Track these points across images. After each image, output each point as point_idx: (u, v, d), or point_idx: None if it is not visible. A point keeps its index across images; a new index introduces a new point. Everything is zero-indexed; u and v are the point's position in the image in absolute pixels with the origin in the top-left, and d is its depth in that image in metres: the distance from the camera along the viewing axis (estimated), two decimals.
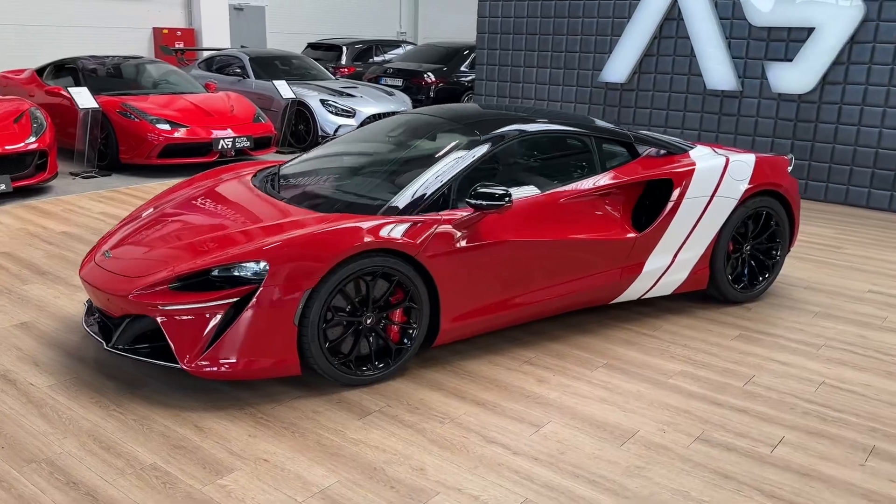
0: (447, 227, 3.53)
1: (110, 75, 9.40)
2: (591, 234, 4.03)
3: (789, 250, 4.94)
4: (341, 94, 10.40)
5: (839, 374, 3.75)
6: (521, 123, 4.17)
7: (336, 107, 10.02)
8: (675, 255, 4.33)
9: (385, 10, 19.92)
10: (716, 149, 4.80)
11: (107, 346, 3.38)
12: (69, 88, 8.17)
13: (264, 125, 9.01)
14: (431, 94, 12.49)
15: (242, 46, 14.53)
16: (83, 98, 7.99)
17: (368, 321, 3.40)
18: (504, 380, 3.57)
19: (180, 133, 8.18)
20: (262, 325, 3.17)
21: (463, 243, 3.57)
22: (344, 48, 14.65)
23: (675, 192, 4.29)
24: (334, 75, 14.06)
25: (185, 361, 3.18)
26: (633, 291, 4.29)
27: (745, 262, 4.68)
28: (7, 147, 6.80)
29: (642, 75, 8.80)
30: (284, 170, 4.40)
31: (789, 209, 4.74)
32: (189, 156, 8.32)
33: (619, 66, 8.88)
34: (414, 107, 12.64)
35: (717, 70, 8.16)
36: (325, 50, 14.83)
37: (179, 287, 3.22)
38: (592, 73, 9.27)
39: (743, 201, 4.50)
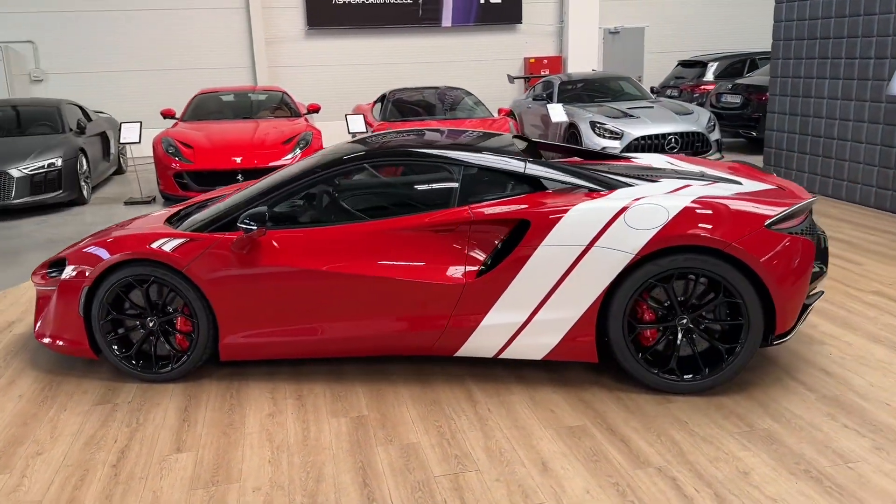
0: (221, 248, 3.70)
1: (408, 104, 10.83)
2: (406, 274, 3.63)
3: (779, 338, 3.48)
4: (623, 115, 9.98)
5: None
6: (381, 148, 3.96)
7: (604, 129, 9.70)
8: (534, 314, 3.54)
9: None
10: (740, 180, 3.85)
11: None
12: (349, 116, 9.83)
13: None
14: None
15: (594, 70, 14.72)
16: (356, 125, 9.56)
17: (151, 324, 3.83)
18: None
19: None
20: (59, 311, 3.92)
21: (238, 265, 3.69)
22: (710, 64, 13.63)
23: (529, 237, 3.52)
24: (680, 94, 13.30)
25: (35, 331, 4.12)
26: (478, 348, 3.66)
27: (685, 340, 3.50)
28: (270, 163, 8.65)
29: None
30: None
31: (755, 278, 3.36)
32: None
33: None
34: (749, 129, 11.23)
35: None
36: (689, 67, 14.01)
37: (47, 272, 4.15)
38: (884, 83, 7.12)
39: (648, 257, 3.41)
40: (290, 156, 8.78)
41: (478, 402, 3.56)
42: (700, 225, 3.35)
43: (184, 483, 2.99)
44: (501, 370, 3.87)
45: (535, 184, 3.79)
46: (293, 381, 3.86)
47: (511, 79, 14.22)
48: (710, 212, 3.40)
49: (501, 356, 3.67)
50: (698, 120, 9.89)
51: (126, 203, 9.33)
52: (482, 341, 3.63)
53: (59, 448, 3.29)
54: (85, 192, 9.37)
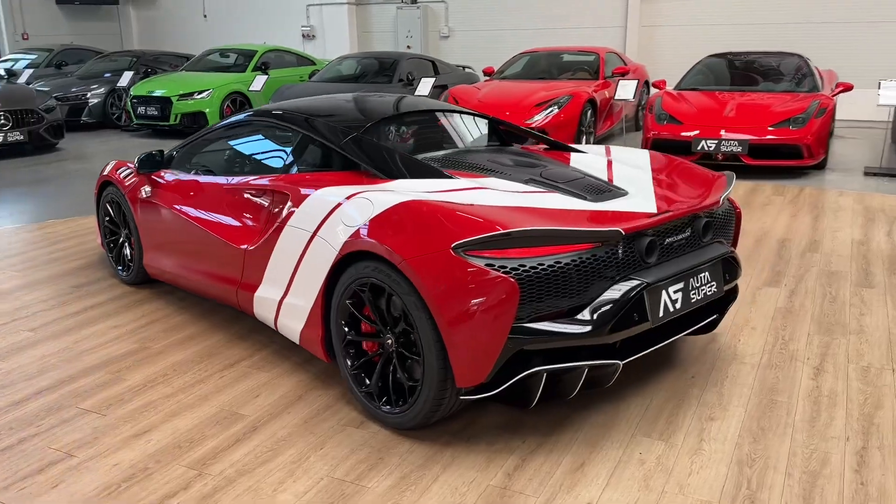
0: (145, 183, 4.41)
1: (722, 70, 9.44)
2: (219, 231, 3.82)
3: (469, 392, 2.70)
4: None
5: None
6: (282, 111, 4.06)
7: None
8: (285, 294, 3.39)
9: None
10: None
11: None
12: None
13: (797, 132, 7.60)
14: None
15: None
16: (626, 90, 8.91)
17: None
18: None
19: (683, 131, 8.08)
20: None
21: (144, 196, 4.38)
22: None
23: (286, 211, 3.35)
24: None
25: None
26: (262, 315, 3.63)
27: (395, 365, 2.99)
28: (525, 122, 8.76)
29: None
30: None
31: (427, 299, 2.67)
32: (673, 152, 8.14)
33: None
34: None
35: None
36: None
37: None
38: None
39: (352, 258, 2.99)
40: (537, 117, 8.75)
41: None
42: (387, 231, 2.80)
43: None
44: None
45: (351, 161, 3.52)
46: None
47: None
48: (406, 218, 2.79)
49: (279, 331, 3.61)
50: None
51: None
52: (261, 310, 3.61)
53: None
54: None
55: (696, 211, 3.10)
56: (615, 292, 2.75)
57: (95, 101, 12.68)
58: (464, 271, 2.59)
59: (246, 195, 3.75)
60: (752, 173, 8.04)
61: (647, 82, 12.09)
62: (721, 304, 3.37)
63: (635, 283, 2.78)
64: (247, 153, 4.15)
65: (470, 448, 2.86)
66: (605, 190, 3.18)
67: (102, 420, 3.12)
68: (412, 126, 4.07)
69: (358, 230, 2.90)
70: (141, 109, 11.67)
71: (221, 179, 3.96)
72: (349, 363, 3.10)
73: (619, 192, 3.18)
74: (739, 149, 7.73)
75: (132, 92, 11.83)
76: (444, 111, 4.12)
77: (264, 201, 3.62)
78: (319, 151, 3.69)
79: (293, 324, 3.38)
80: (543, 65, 10.83)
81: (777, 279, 4.69)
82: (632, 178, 3.42)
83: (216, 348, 3.81)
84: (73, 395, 3.35)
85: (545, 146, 4.22)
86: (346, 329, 3.08)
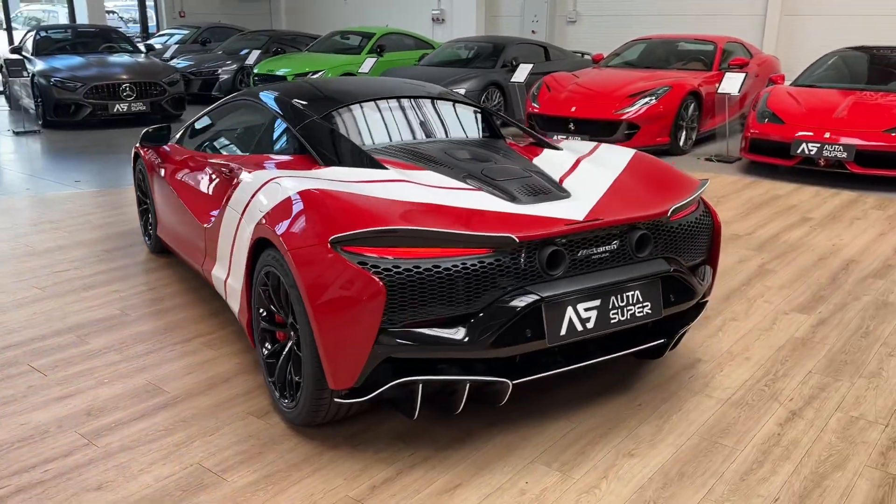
0: (157, 154, 4.57)
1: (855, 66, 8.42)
2: (192, 206, 3.89)
3: (340, 395, 2.56)
4: None
5: None
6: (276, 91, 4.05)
7: None
8: (228, 275, 3.38)
9: None
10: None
11: None
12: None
13: None
14: None
15: None
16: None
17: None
18: None
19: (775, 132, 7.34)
20: None
21: (157, 168, 4.53)
22: None
23: (228, 196, 3.33)
24: None
25: None
26: (220, 293, 3.63)
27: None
28: (614, 113, 8.30)
29: None
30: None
31: (301, 293, 2.54)
32: (772, 155, 7.38)
33: None
34: None
35: None
36: None
37: None
38: None
39: (260, 245, 2.93)
40: (628, 109, 8.25)
41: None
42: (281, 219, 2.70)
43: None
44: None
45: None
46: None
47: None
48: (301, 207, 2.67)
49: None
50: None
51: None
52: (218, 288, 3.62)
53: None
54: None
55: (633, 221, 2.74)
56: (502, 304, 2.50)
57: (225, 76, 13.42)
58: (335, 267, 2.44)
59: (213, 173, 3.78)
60: (858, 182, 7.13)
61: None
62: (676, 326, 2.99)
63: (529, 296, 2.51)
64: (227, 132, 4.20)
65: (354, 453, 2.72)
66: (542, 191, 2.89)
67: (42, 380, 3.27)
68: (394, 112, 3.91)
69: (264, 215, 2.83)
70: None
71: (202, 157, 4.03)
72: (263, 351, 3.04)
73: (558, 195, 2.88)
74: (845, 155, 6.86)
75: (255, 70, 12.40)
76: (435, 98, 3.93)
77: (223, 180, 3.63)
78: (283, 134, 3.64)
79: (234, 305, 3.37)
80: (657, 53, 10.19)
81: (813, 305, 4.11)
82: (588, 180, 3.09)
83: (184, 322, 3.89)
84: (32, 353, 3.54)
85: (532, 140, 3.94)
86: (262, 316, 3.02)
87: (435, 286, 2.44)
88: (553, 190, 2.92)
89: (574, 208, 2.75)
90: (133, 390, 3.19)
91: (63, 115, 10.29)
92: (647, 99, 8.34)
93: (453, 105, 3.96)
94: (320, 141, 3.31)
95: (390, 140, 3.67)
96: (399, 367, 2.56)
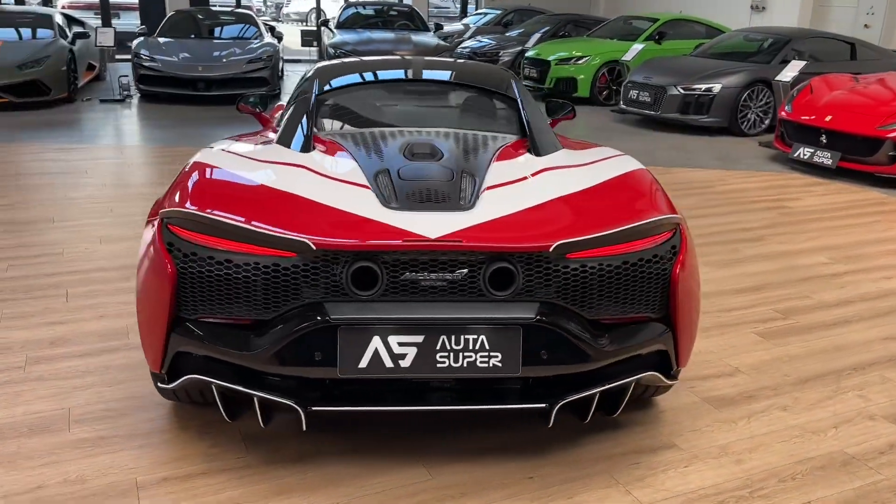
0: None
1: None
2: None
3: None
4: None
5: None
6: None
7: None
8: None
9: None
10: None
11: None
12: None
13: None
14: None
15: None
16: None
17: None
18: None
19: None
20: None
21: None
22: None
23: None
24: None
25: None
26: None
27: None
28: (877, 129, 6.69)
29: None
30: None
31: None
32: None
33: None
34: None
35: None
36: None
37: None
38: None
39: None
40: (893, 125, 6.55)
41: None
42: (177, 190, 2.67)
43: None
44: None
45: None
46: None
47: None
48: (178, 178, 2.62)
49: None
50: None
51: None
52: None
53: None
54: None
55: (497, 251, 2.16)
56: (289, 318, 2.17)
57: (506, 59, 13.60)
58: (153, 243, 2.35)
59: None
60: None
61: None
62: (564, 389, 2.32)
63: (317, 315, 2.13)
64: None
65: (189, 439, 2.61)
66: (435, 199, 2.37)
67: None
68: (413, 97, 3.57)
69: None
70: (527, 71, 12.16)
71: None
72: None
73: (454, 206, 2.34)
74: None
75: (528, 54, 12.37)
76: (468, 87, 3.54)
77: None
78: (287, 107, 3.58)
79: None
80: None
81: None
82: (520, 196, 2.46)
83: None
84: (26, 289, 3.93)
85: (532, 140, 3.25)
86: None
87: (228, 283, 2.21)
88: (452, 199, 2.40)
89: (446, 224, 2.25)
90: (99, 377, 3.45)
91: None
92: None
93: (484, 94, 3.54)
94: (291, 118, 3.18)
95: (396, 124, 3.36)
96: (206, 365, 2.37)
